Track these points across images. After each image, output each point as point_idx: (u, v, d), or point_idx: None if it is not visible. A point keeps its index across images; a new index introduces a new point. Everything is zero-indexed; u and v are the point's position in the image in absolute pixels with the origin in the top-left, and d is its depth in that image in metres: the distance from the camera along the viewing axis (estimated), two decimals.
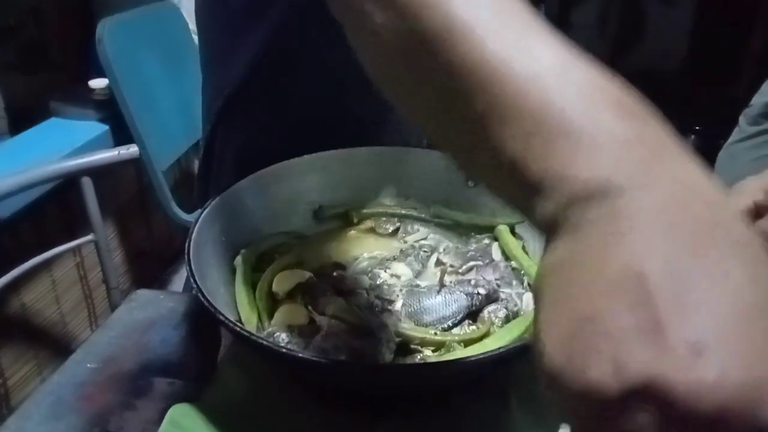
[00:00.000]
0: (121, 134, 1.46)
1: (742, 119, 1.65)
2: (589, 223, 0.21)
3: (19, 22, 1.58)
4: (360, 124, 0.74)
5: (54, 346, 1.47)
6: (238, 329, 0.44)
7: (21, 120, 1.50)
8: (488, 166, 0.25)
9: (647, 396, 0.18)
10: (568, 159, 0.22)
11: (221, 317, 0.45)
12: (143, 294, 1.39)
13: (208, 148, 0.79)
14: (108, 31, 1.17)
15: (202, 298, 0.45)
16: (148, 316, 1.15)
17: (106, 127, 1.55)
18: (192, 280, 0.47)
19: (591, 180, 0.21)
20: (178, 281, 1.89)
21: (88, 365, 0.65)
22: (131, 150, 1.19)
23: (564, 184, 0.22)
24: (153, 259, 1.90)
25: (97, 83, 1.55)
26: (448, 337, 0.51)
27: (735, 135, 1.68)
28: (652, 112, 0.23)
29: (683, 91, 2.86)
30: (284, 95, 0.73)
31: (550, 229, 0.23)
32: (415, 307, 0.54)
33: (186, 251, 0.50)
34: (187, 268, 0.49)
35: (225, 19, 0.71)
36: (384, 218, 0.68)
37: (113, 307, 1.20)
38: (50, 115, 1.56)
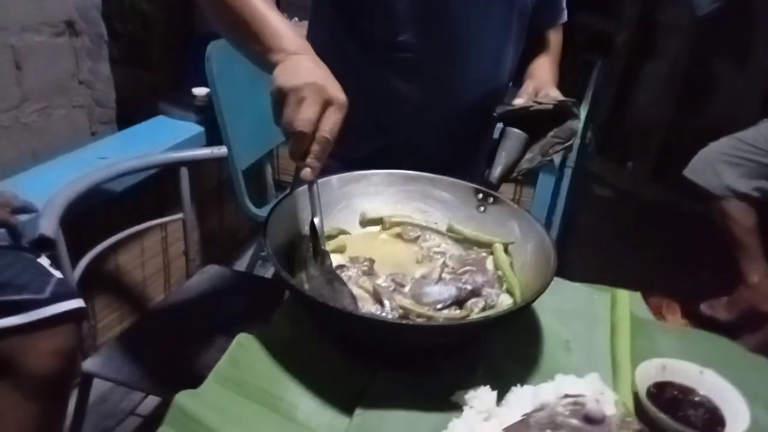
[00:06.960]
0: (212, 135, 1.73)
1: None
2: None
3: (131, 25, 1.86)
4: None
5: (135, 302, 1.74)
6: (288, 282, 0.66)
7: (126, 113, 1.79)
8: None
9: None
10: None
11: (282, 273, 0.67)
12: (213, 269, 1.67)
13: None
14: (215, 51, 1.39)
15: (269, 256, 0.67)
16: (216, 286, 1.40)
17: (201, 129, 1.83)
18: (264, 243, 0.69)
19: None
20: (240, 264, 2.15)
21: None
22: (222, 150, 1.44)
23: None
24: (222, 242, 2.17)
25: (199, 91, 1.83)
26: (436, 314, 0.71)
27: None
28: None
29: None
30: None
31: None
32: (418, 291, 0.75)
33: (264, 223, 0.72)
34: (262, 235, 0.70)
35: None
36: (409, 227, 0.89)
37: (188, 276, 1.43)
38: (158, 113, 1.87)
